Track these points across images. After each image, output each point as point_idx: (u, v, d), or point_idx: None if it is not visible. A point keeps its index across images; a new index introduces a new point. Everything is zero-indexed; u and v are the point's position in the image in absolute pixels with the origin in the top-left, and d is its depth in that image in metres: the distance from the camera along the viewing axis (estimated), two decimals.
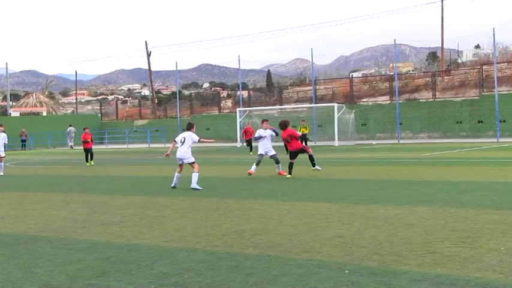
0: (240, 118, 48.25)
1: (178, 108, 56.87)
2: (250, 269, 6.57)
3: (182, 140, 16.09)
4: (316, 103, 51.48)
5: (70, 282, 6.31)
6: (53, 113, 79.69)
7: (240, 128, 46.73)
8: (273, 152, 19.11)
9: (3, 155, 23.73)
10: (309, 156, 18.39)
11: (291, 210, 10.94)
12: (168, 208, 11.84)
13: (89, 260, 7.28)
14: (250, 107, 55.21)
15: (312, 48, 51.52)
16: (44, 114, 75.96)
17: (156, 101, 75.05)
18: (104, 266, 6.93)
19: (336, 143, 41.77)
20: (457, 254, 6.93)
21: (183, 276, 6.36)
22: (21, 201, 14.04)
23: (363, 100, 54.78)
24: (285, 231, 8.80)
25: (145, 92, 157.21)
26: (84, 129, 28.23)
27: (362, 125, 49.49)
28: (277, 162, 18.99)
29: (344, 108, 45.69)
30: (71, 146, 54.63)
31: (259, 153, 19.51)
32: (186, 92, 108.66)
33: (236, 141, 47.69)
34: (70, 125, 56.36)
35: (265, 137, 19.40)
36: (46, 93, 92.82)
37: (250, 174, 18.48)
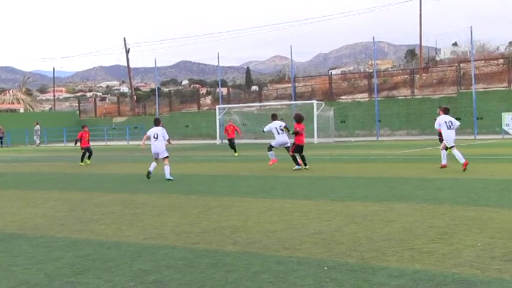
0: (219, 115, 48.22)
1: (157, 105, 56.64)
2: (230, 265, 6.58)
3: (155, 136, 17.27)
4: (295, 100, 51.57)
5: (49, 280, 6.27)
6: (31, 110, 78.98)
7: (220, 125, 46.70)
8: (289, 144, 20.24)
9: None
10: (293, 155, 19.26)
11: (270, 207, 10.96)
12: (147, 205, 11.80)
13: (67, 258, 7.24)
14: (229, 104, 55.13)
15: (291, 46, 51.37)
16: (21, 111, 75.22)
17: (135, 98, 74.65)
18: (83, 264, 6.90)
19: (315, 140, 41.89)
20: (435, 250, 7.00)
21: (163, 273, 6.35)
22: None
23: (342, 97, 54.97)
24: (264, 228, 8.82)
25: (124, 89, 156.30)
26: (83, 127, 27.35)
27: (341, 122, 49.67)
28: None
29: (323, 105, 45.84)
30: (38, 144, 54.13)
31: (278, 145, 20.33)
32: (165, 89, 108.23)
33: (215, 138, 47.62)
34: (36, 123, 55.86)
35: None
36: (23, 90, 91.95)
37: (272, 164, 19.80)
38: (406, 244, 7.35)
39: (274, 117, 21.07)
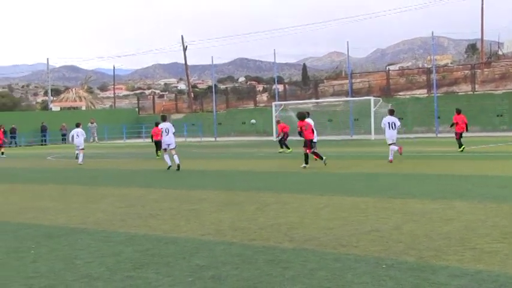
0: (275, 112, 48.17)
1: (214, 102, 57.00)
2: (287, 262, 6.56)
3: (167, 130, 20.62)
4: (352, 97, 51.08)
5: (110, 273, 6.40)
6: (92, 107, 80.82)
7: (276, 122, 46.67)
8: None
9: (82, 146, 26.22)
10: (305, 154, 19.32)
11: (327, 204, 10.90)
12: (205, 201, 11.90)
13: (127, 252, 7.37)
14: (285, 100, 55.00)
15: (347, 41, 50.85)
16: (83, 108, 77.07)
17: (192, 95, 75.36)
18: (142, 259, 7.01)
19: (373, 136, 41.39)
20: (499, 250, 6.81)
21: (220, 269, 6.39)
22: (61, 194, 14.29)
23: (400, 93, 54.16)
24: (321, 225, 8.78)
25: (182, 86, 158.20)
26: (157, 124, 29.12)
27: (399, 118, 48.89)
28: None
29: (380, 101, 45.22)
30: (92, 141, 54.61)
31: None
32: (222, 86, 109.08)
33: (272, 135, 47.62)
34: (92, 121, 56.56)
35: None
36: (85, 88, 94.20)
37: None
38: (468, 243, 7.18)
39: (391, 112, 22.43)
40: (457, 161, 20.25)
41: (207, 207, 11.05)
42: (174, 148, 20.55)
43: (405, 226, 8.44)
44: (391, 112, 21.46)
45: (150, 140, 28.50)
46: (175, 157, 19.93)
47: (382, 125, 21.04)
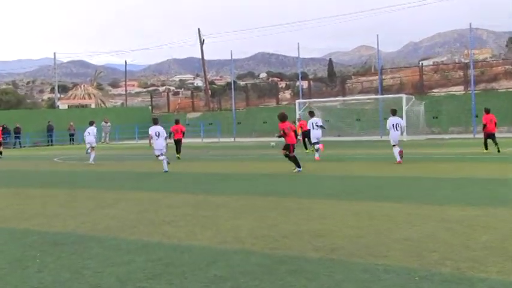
0: (299, 110, 48.10)
1: (233, 100, 57.08)
2: (311, 273, 6.55)
3: (157, 134, 21.24)
4: (382, 94, 50.85)
5: (120, 284, 6.43)
6: (102, 105, 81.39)
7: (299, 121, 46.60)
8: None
9: (94, 144, 27.90)
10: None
11: (355, 210, 10.85)
12: (222, 207, 11.92)
13: (139, 262, 7.40)
14: (310, 98, 54.96)
15: (377, 35, 50.64)
16: (93, 106, 77.64)
17: (210, 93, 75.58)
18: (155, 268, 7.03)
19: (404, 137, 41.13)
20: None
21: (239, 280, 6.39)
22: (69, 199, 14.39)
23: (434, 90, 53.82)
24: (348, 233, 8.74)
25: (198, 82, 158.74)
26: (177, 121, 30.97)
27: (433, 117, 48.60)
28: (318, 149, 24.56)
29: (413, 99, 44.99)
30: (103, 141, 54.94)
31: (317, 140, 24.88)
32: (242, 83, 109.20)
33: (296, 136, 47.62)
34: (106, 120, 57.11)
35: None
36: (94, 84, 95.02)
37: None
38: (509, 254, 7.10)
39: (311, 114, 25.95)
40: (496, 164, 20.06)
41: (225, 213, 11.06)
42: (164, 153, 21.44)
43: (440, 234, 8.37)
44: (394, 112, 22.19)
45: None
46: (166, 161, 21.01)
47: (388, 127, 21.76)
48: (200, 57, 74.93)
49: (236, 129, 54.89)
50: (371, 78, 64.43)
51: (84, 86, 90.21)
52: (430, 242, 7.88)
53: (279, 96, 67.16)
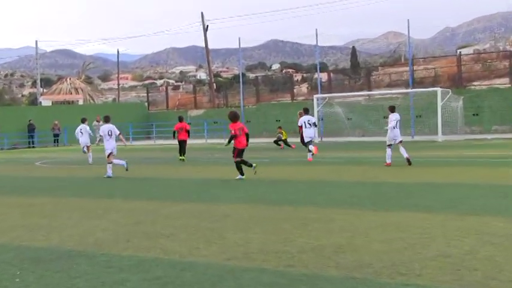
0: (318, 107, 48.11)
1: (241, 94, 57.15)
2: None
3: (110, 133, 22.43)
4: (413, 88, 50.74)
5: None
6: (91, 101, 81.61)
7: (319, 119, 46.56)
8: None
9: (89, 144, 29.80)
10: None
11: (382, 221, 10.83)
12: (229, 218, 11.92)
13: (134, 281, 7.41)
14: (330, 93, 54.91)
15: (408, 19, 50.46)
16: (81, 102, 77.82)
17: (215, 87, 75.69)
18: None
19: (440, 137, 41.09)
20: None
21: None
22: (53, 208, 14.43)
23: (475, 83, 53.66)
24: (374, 248, 8.73)
25: (202, 75, 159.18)
26: (181, 118, 32.07)
27: (473, 114, 48.45)
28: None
29: (450, 93, 44.85)
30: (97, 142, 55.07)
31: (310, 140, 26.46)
32: (251, 75, 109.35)
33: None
34: (98, 120, 57.28)
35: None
36: (82, 77, 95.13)
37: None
38: None
39: (306, 111, 27.03)
40: None
41: (233, 225, 11.06)
42: (115, 154, 22.86)
43: (482, 250, 8.35)
44: (393, 109, 23.41)
45: (171, 138, 30.29)
46: (115, 162, 22.53)
47: (391, 126, 22.90)
48: (203, 45, 75.08)
49: None
50: (401, 69, 64.32)
51: (70, 79, 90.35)
52: (470, 259, 7.86)
53: (294, 90, 67.15)
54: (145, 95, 79.59)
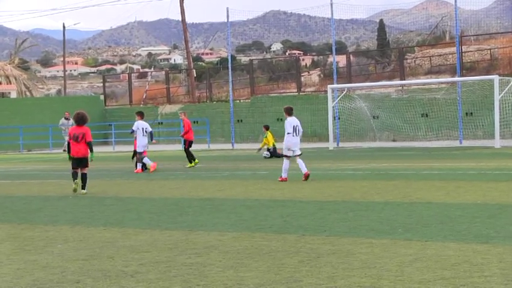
0: (333, 101, 48.04)
1: (230, 84, 56.96)
2: None
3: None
4: (461, 75, 50.78)
5: None
6: (27, 93, 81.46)
7: (334, 118, 46.54)
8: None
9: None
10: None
11: (419, 255, 10.87)
12: (215, 250, 11.95)
13: None
14: (350, 82, 54.75)
15: None
16: (13, 95, 77.65)
17: (195, 74, 75.59)
18: None
19: (497, 142, 41.05)
20: None
21: None
22: None
23: None
24: None
25: (177, 58, 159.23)
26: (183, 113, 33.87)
27: None
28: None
29: (511, 83, 44.94)
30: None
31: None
32: (244, 59, 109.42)
33: (327, 140, 47.48)
34: (67, 118, 57.17)
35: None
36: (16, 61, 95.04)
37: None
38: None
39: (290, 111, 25.30)
40: None
41: (219, 260, 11.08)
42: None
43: None
44: (290, 111, 24.68)
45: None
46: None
47: (289, 131, 24.39)
48: (179, 18, 75.00)
49: (235, 131, 54.73)
50: (445, 50, 64.32)
51: None
52: None
53: (302, 79, 66.95)
54: (101, 85, 79.43)
